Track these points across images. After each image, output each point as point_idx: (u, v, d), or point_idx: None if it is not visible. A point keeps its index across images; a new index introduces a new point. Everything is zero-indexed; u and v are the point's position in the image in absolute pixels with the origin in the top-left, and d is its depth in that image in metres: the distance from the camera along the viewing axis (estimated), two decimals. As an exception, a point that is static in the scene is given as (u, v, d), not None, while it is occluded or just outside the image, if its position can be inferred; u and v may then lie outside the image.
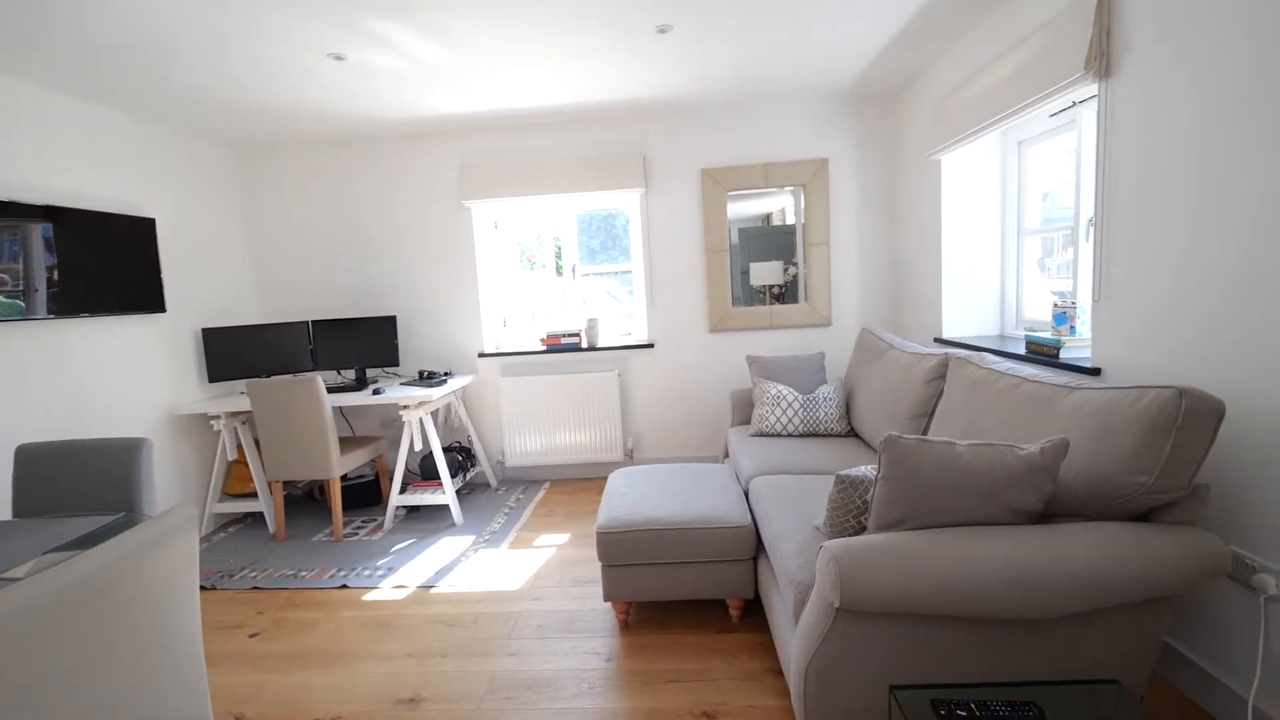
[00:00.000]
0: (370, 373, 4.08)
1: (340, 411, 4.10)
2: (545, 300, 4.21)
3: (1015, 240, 2.99)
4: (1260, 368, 1.47)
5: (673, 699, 1.86)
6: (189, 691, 1.20)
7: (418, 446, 3.33)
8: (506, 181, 3.80)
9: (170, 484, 3.31)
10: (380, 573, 2.82)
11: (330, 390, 3.50)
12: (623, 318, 4.20)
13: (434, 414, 3.93)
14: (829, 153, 3.73)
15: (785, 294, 3.90)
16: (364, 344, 3.79)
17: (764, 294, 3.92)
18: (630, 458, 4.04)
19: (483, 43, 2.57)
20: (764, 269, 3.88)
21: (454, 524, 3.36)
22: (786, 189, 3.82)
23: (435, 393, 3.35)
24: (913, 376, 2.44)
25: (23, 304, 2.57)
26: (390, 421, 4.11)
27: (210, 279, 3.67)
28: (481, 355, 3.97)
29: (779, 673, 1.95)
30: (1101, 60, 1.88)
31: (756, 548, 2.17)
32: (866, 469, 1.68)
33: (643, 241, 3.87)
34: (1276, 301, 1.42)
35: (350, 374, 4.03)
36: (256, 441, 3.56)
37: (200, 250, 3.61)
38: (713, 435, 4.00)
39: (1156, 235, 1.75)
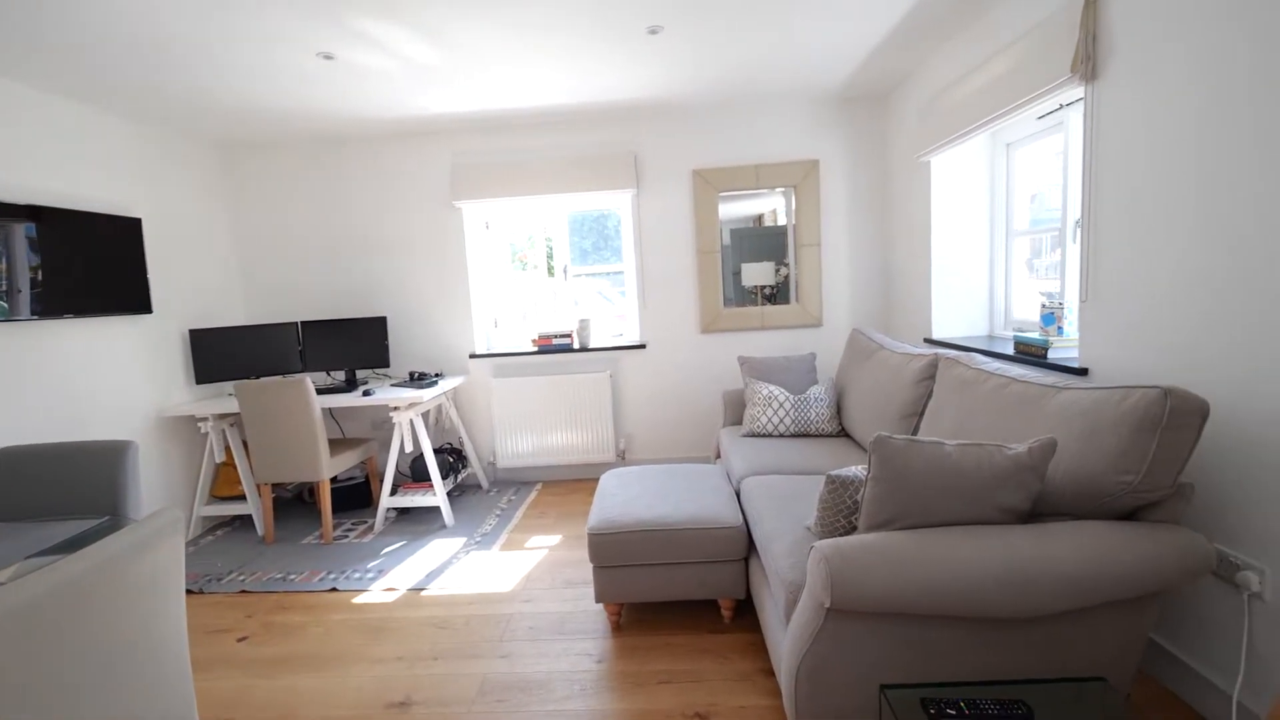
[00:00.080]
0: (360, 374, 4.05)
1: (330, 413, 4.07)
2: (537, 301, 4.20)
3: (1004, 241, 3.01)
4: (1244, 368, 1.49)
5: (665, 700, 1.86)
6: (175, 697, 1.18)
7: (408, 448, 3.31)
8: (498, 182, 3.78)
9: (157, 487, 3.28)
10: (370, 575, 2.80)
11: (320, 392, 3.47)
12: (614, 318, 4.19)
13: (425, 415, 3.91)
14: (820, 154, 3.75)
15: (776, 295, 3.91)
16: (354, 345, 3.76)
17: (755, 295, 3.93)
18: (622, 459, 4.04)
19: (474, 43, 2.56)
20: (755, 270, 3.89)
21: (445, 526, 3.34)
22: (778, 190, 3.83)
23: (426, 394, 3.33)
24: (903, 377, 2.45)
25: (5, 305, 2.53)
26: (380, 423, 4.09)
27: (198, 279, 3.64)
28: (473, 356, 3.95)
29: (771, 673, 1.96)
30: (1088, 64, 1.90)
31: (748, 548, 2.18)
32: (857, 469, 1.69)
33: (634, 242, 3.87)
34: (1261, 302, 1.44)
35: (340, 375, 4.00)
36: (245, 444, 3.53)
37: (187, 251, 3.57)
38: (704, 436, 4.01)
39: (1142, 237, 1.77)
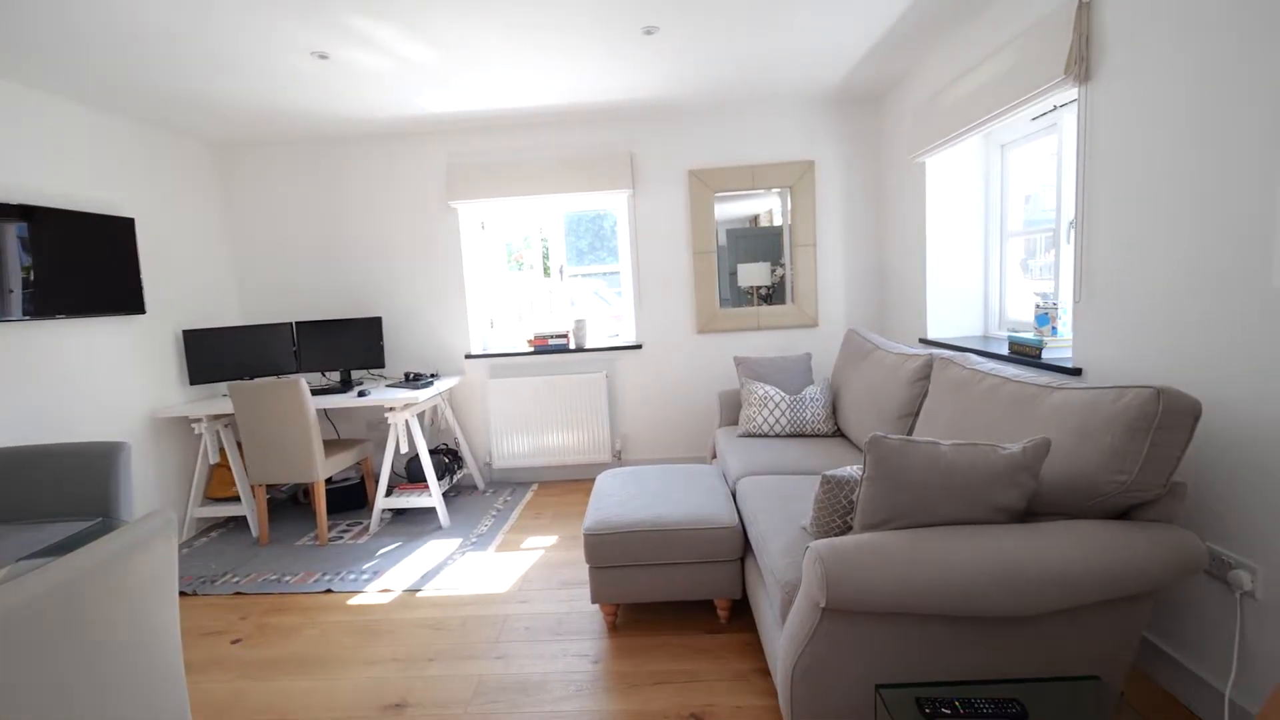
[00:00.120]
0: (355, 374, 4.04)
1: (325, 414, 4.05)
2: (533, 301, 4.19)
3: (998, 242, 3.03)
4: (1236, 368, 1.50)
5: (661, 700, 1.86)
6: (168, 700, 1.18)
7: (404, 449, 3.30)
8: (493, 182, 3.78)
9: (150, 489, 3.26)
10: (365, 577, 2.79)
11: (314, 392, 3.46)
12: (611, 319, 4.19)
13: (420, 416, 3.90)
14: (815, 155, 3.75)
15: (772, 295, 3.92)
16: (349, 345, 3.75)
17: (751, 295, 3.93)
18: (618, 459, 4.04)
19: (469, 42, 2.55)
20: (751, 270, 3.89)
21: (441, 527, 3.33)
22: (774, 190, 3.83)
23: (421, 394, 3.32)
24: (898, 377, 2.46)
25: (-3, 305, 2.51)
26: (376, 424, 4.07)
27: (191, 280, 3.62)
28: (468, 356, 3.95)
29: (767, 673, 1.96)
30: (1081, 65, 1.91)
31: (744, 548, 2.18)
32: (852, 469, 1.69)
33: (630, 242, 3.87)
34: (1253, 303, 1.45)
35: (335, 376, 3.99)
36: (239, 444, 3.51)
37: (181, 251, 3.55)
38: (701, 436, 4.01)
39: (1136, 238, 1.78)
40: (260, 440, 3.14)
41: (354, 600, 2.59)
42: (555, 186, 3.75)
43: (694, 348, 3.93)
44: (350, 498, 3.68)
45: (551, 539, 3.09)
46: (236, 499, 3.48)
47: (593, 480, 4.01)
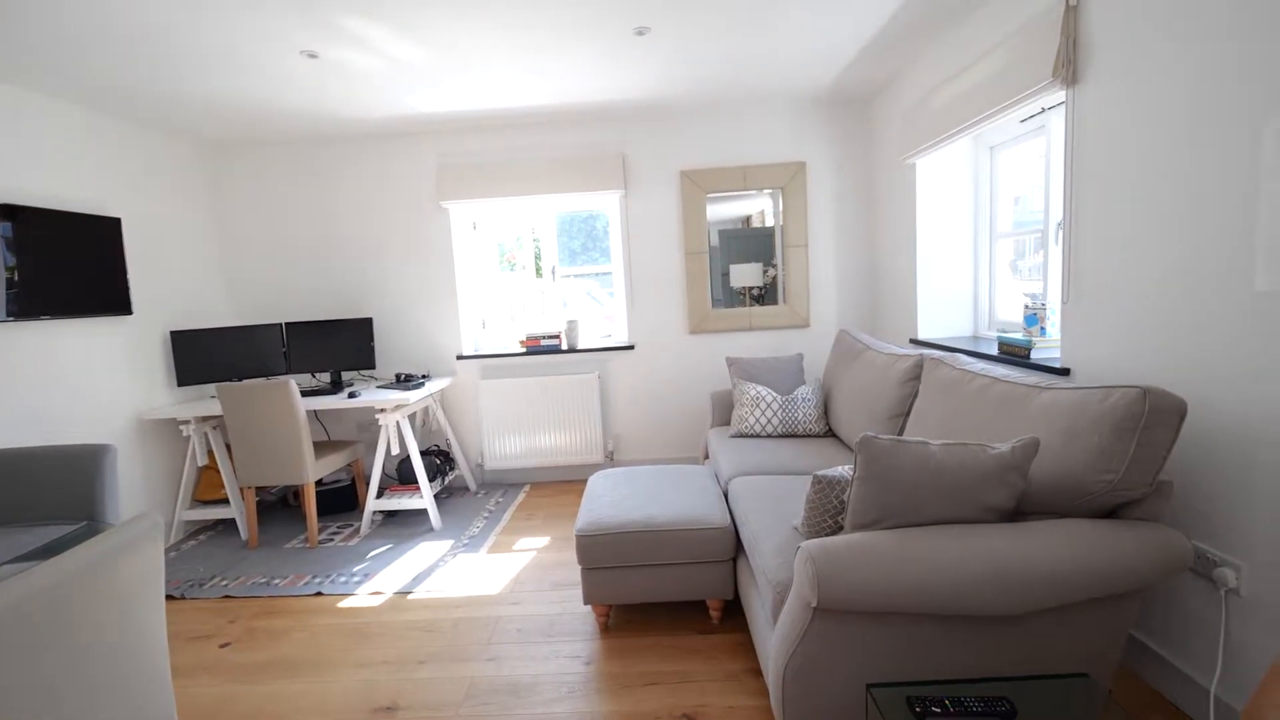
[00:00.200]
0: (346, 376, 4.01)
1: (315, 415, 4.03)
2: (525, 302, 4.18)
3: (988, 243, 3.05)
4: (1220, 368, 1.52)
5: (653, 701, 1.86)
6: (155, 705, 1.16)
7: (395, 450, 3.28)
8: (485, 182, 3.77)
9: (138, 491, 3.22)
10: (356, 579, 2.77)
11: (304, 394, 3.44)
12: (603, 319, 4.19)
13: (411, 417, 3.88)
14: (807, 156, 3.77)
15: (764, 296, 3.93)
16: (339, 346, 3.73)
17: (744, 296, 3.94)
18: (611, 459, 4.04)
19: (460, 42, 2.54)
20: (744, 271, 3.90)
21: (432, 529, 3.32)
22: (765, 191, 3.84)
23: (413, 396, 3.30)
24: (889, 377, 2.47)
25: (-20, 306, 2.48)
26: (367, 425, 4.05)
27: (179, 280, 3.58)
28: (460, 357, 3.93)
29: (759, 673, 1.96)
30: (1069, 68, 1.93)
31: (736, 548, 2.18)
32: (843, 469, 1.70)
33: (623, 243, 3.87)
34: (1239, 304, 1.47)
35: (325, 377, 3.96)
36: (228, 446, 3.48)
37: (169, 251, 3.52)
38: (693, 436, 4.01)
39: (1123, 239, 1.80)
40: (249, 442, 3.11)
41: (344, 603, 2.57)
42: (547, 187, 3.75)
43: (686, 348, 3.93)
44: (341, 500, 3.66)
45: (544, 540, 3.09)
46: (225, 501, 3.44)
47: (585, 481, 4.00)
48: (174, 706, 1.22)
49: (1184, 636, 1.70)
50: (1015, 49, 2.20)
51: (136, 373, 3.24)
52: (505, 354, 3.92)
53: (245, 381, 3.08)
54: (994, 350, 2.55)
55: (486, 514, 3.50)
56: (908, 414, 2.36)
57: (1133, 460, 1.34)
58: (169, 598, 2.73)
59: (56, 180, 2.87)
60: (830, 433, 3.00)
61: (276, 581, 2.79)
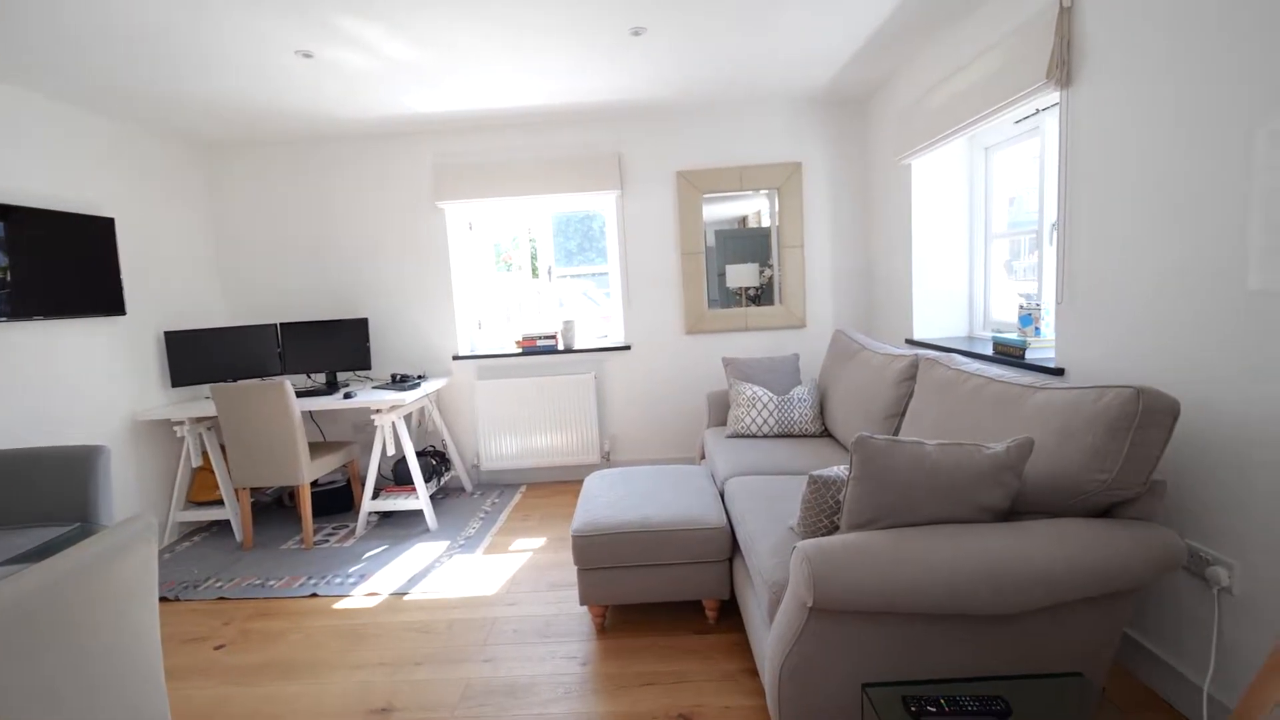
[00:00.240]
0: (341, 376, 4.00)
1: (310, 416, 4.01)
2: (521, 302, 4.18)
3: (983, 244, 3.06)
4: (1213, 368, 1.53)
5: (649, 701, 1.86)
6: (148, 707, 1.16)
7: (390, 451, 3.28)
8: (481, 182, 3.76)
9: (131, 493, 3.21)
10: (352, 580, 2.76)
11: (299, 394, 3.42)
12: (599, 320, 4.19)
13: (407, 418, 3.87)
14: (802, 156, 3.77)
15: (761, 296, 3.93)
16: (335, 347, 3.71)
17: (740, 296, 3.94)
18: (607, 460, 4.03)
19: (456, 43, 2.54)
20: (740, 271, 3.91)
21: (428, 529, 3.31)
22: (761, 192, 3.85)
23: (408, 396, 3.30)
24: (884, 377, 2.47)
25: (-28, 306, 2.47)
26: (362, 426, 4.04)
27: (173, 280, 3.57)
28: (456, 358, 3.93)
29: (755, 673, 1.96)
30: (1063, 69, 1.94)
31: (732, 549, 2.18)
32: (839, 469, 1.70)
33: (619, 243, 3.87)
34: (1229, 303, 1.48)
35: (320, 378, 3.95)
36: (223, 447, 3.47)
37: (163, 251, 3.50)
38: (689, 437, 4.01)
39: (1117, 239, 1.80)
40: (244, 443, 3.10)
41: (340, 604, 2.56)
42: (543, 187, 3.75)
43: (682, 348, 3.93)
44: (336, 501, 3.65)
45: (540, 541, 3.08)
46: (219, 503, 3.43)
47: (581, 481, 4.00)
48: (168, 709, 1.21)
49: (1177, 635, 1.71)
50: (1010, 50, 2.21)
51: (130, 373, 3.23)
52: (501, 354, 3.92)
53: (240, 382, 3.06)
54: (989, 350, 2.56)
55: (482, 515, 3.49)
56: (903, 414, 2.37)
57: (1126, 460, 1.35)
58: (163, 599, 2.71)
59: (50, 180, 2.85)
60: (826, 433, 3.01)
61: (271, 583, 2.78)
